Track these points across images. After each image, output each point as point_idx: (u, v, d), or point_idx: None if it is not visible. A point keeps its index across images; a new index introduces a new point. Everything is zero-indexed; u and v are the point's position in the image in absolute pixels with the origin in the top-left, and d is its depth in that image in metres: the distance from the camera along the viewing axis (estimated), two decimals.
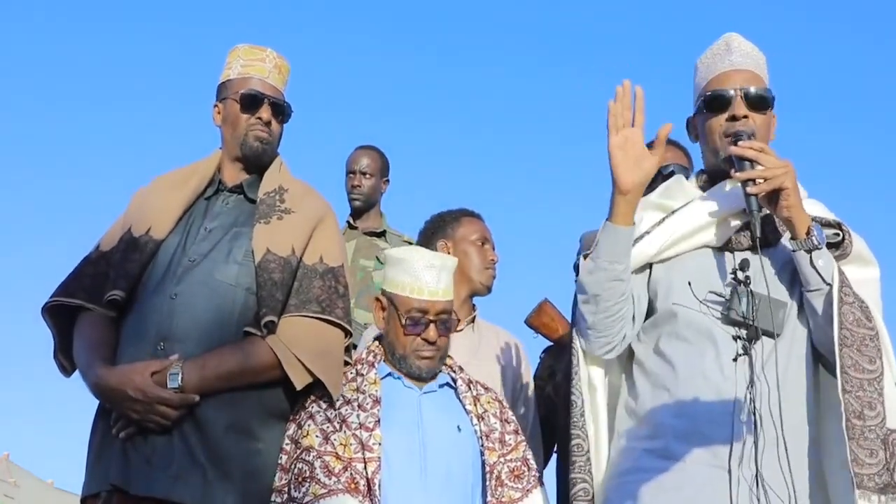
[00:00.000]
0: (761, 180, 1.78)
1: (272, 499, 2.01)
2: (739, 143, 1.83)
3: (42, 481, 29.40)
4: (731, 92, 1.91)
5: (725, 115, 1.91)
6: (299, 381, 2.00)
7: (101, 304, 2.10)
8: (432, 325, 2.13)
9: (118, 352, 2.05)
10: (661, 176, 2.39)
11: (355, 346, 2.22)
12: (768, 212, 1.85)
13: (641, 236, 1.94)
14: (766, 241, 1.86)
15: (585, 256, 1.90)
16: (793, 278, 1.88)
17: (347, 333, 2.13)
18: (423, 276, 2.14)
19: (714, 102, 1.93)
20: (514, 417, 2.24)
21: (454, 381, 2.20)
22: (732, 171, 1.84)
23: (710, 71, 1.98)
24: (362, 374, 2.13)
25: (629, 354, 2.00)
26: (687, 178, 2.13)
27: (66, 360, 2.18)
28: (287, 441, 2.07)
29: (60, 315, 2.17)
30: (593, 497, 1.89)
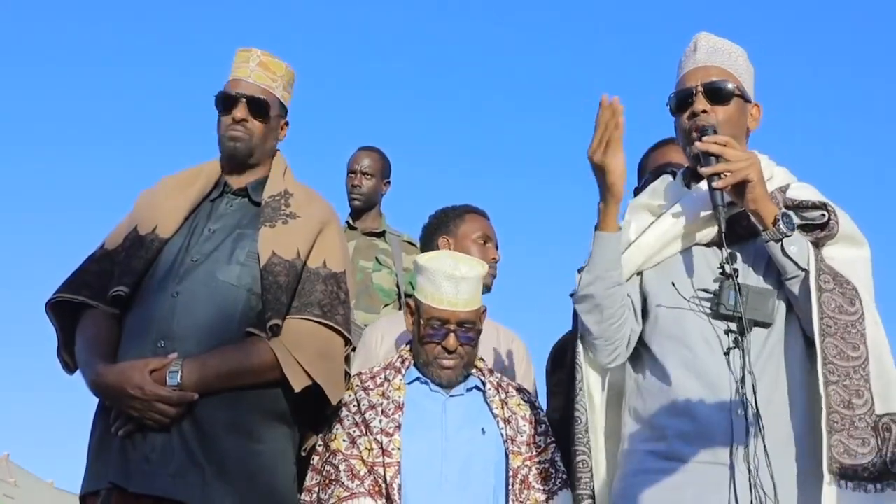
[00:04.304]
0: (727, 174, 1.79)
1: (301, 497, 2.08)
2: (704, 138, 1.84)
3: (42, 481, 29.36)
4: (692, 89, 1.92)
5: (687, 113, 1.93)
6: (297, 383, 2.00)
7: (105, 301, 2.10)
8: (452, 335, 2.16)
9: (120, 349, 2.06)
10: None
11: (354, 348, 2.22)
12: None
13: (628, 246, 1.96)
14: (752, 231, 1.86)
15: (580, 271, 1.92)
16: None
17: (347, 341, 2.13)
18: (443, 286, 2.15)
19: (677, 102, 1.96)
20: (545, 419, 2.26)
21: (483, 384, 2.22)
22: (699, 166, 1.86)
23: (679, 73, 2.00)
24: (389, 380, 2.17)
25: (630, 359, 2.00)
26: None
27: (69, 357, 2.18)
28: (320, 443, 2.15)
29: (64, 312, 2.17)
30: None
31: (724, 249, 1.80)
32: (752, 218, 1.83)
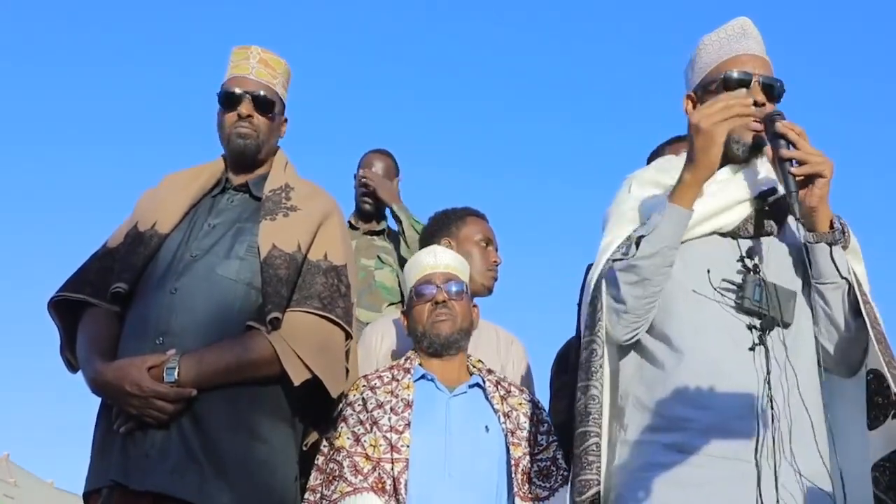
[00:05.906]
0: (797, 163, 1.75)
1: (305, 496, 2.10)
2: (782, 121, 1.79)
3: (42, 481, 29.39)
4: (751, 76, 1.88)
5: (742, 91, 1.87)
6: (297, 376, 1.99)
7: (106, 298, 2.10)
8: (438, 289, 2.32)
9: (119, 347, 2.06)
10: None
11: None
12: (773, 198, 1.84)
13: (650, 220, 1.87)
14: (773, 227, 1.85)
15: (638, 240, 1.80)
16: (797, 265, 1.86)
17: (347, 335, 2.13)
18: (423, 259, 2.39)
19: (735, 84, 1.89)
20: (548, 419, 2.30)
21: (483, 381, 2.27)
22: (768, 147, 1.82)
23: (724, 51, 1.94)
24: (398, 379, 2.22)
25: (635, 343, 1.90)
26: None
27: (72, 356, 2.18)
28: (324, 443, 2.19)
29: (67, 311, 2.18)
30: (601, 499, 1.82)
31: (805, 238, 1.78)
32: (807, 217, 1.79)
